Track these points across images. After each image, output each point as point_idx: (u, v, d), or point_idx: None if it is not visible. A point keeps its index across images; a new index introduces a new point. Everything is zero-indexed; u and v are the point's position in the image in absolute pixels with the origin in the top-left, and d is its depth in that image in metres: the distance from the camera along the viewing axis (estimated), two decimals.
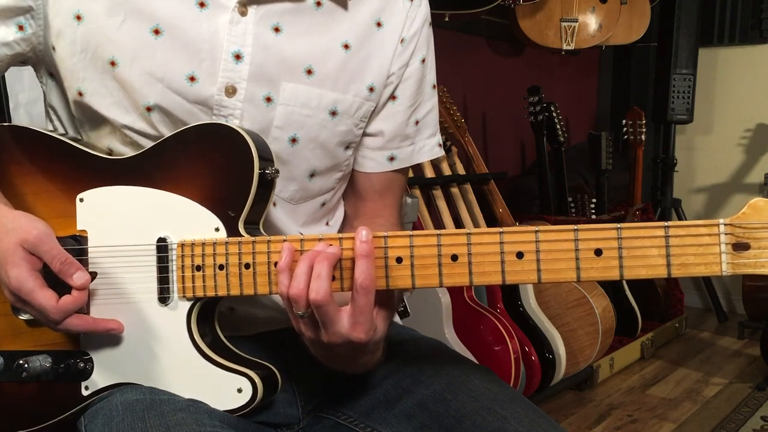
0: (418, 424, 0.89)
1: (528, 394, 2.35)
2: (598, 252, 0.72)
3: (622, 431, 2.42)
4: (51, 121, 1.03)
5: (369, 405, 0.94)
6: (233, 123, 0.91)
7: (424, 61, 1.04)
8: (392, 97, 1.02)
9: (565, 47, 3.01)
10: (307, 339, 0.82)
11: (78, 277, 0.83)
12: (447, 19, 2.52)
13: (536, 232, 0.73)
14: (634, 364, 3.04)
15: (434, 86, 1.08)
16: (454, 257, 0.76)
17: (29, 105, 1.62)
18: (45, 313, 0.82)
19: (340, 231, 1.09)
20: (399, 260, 0.77)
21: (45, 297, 0.82)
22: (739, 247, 0.68)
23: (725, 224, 0.69)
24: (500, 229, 0.75)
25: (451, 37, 2.91)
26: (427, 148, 1.09)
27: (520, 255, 0.74)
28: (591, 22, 3.05)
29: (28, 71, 1.02)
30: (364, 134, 1.03)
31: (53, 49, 0.93)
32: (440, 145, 1.12)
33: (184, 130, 0.88)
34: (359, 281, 0.76)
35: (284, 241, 0.80)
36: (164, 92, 0.90)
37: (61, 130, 1.02)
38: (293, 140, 0.95)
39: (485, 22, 3.07)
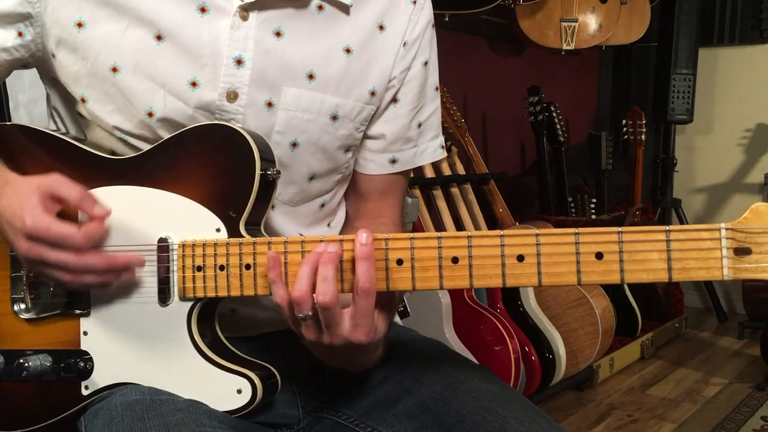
0: (418, 423, 0.89)
1: (528, 394, 2.35)
2: (599, 255, 0.72)
3: (622, 431, 2.42)
4: (55, 122, 1.03)
5: (369, 405, 0.94)
6: (235, 124, 0.91)
7: (426, 63, 1.04)
8: (394, 100, 1.02)
9: (565, 47, 3.01)
10: (307, 341, 0.82)
11: (98, 207, 0.84)
12: (447, 19, 2.52)
13: (537, 235, 0.73)
14: (634, 364, 3.04)
15: (437, 88, 1.08)
16: (455, 260, 0.76)
17: (29, 105, 1.62)
18: (70, 241, 0.80)
19: (341, 232, 1.09)
20: (399, 262, 0.77)
21: (65, 226, 0.81)
22: (741, 251, 0.68)
23: (726, 228, 0.68)
24: (501, 232, 0.75)
25: (451, 37, 2.91)
26: (429, 150, 1.09)
27: (520, 258, 0.74)
28: (591, 22, 3.05)
29: (30, 70, 1.02)
30: (366, 137, 1.03)
31: (53, 56, 0.93)
32: (443, 146, 1.12)
33: (186, 130, 0.88)
34: (360, 284, 0.76)
35: (285, 242, 0.81)
36: (166, 98, 0.90)
37: (64, 131, 1.02)
38: (294, 145, 0.95)
39: (485, 22, 3.07)
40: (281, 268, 0.79)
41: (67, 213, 0.85)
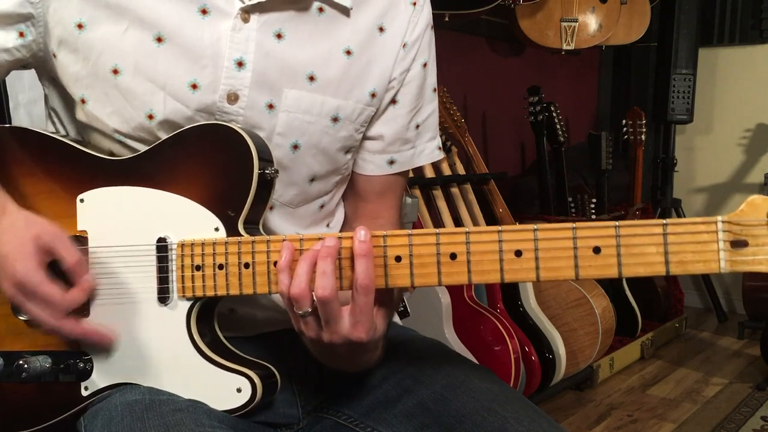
0: (418, 423, 0.89)
1: (528, 394, 2.35)
2: (597, 250, 0.72)
3: (622, 431, 2.42)
4: (53, 123, 1.03)
5: (369, 405, 0.94)
6: (233, 124, 0.91)
7: (425, 65, 1.04)
8: (393, 101, 1.02)
9: (565, 47, 3.01)
10: (307, 339, 0.82)
11: (87, 279, 0.85)
12: (447, 19, 2.52)
13: (534, 230, 0.73)
14: (634, 364, 3.04)
15: (435, 89, 1.08)
16: (453, 256, 0.76)
17: (29, 105, 1.62)
18: (52, 304, 0.82)
19: (340, 232, 1.09)
20: (398, 259, 0.78)
21: (53, 289, 0.83)
22: (737, 244, 0.68)
23: (723, 221, 0.68)
24: (499, 228, 0.75)
25: (451, 37, 2.91)
26: (427, 151, 1.09)
27: (518, 253, 0.74)
28: (591, 22, 3.05)
29: (29, 71, 1.02)
30: (365, 137, 1.03)
31: (54, 56, 0.93)
32: (440, 147, 1.12)
33: (184, 130, 0.88)
34: (359, 281, 0.76)
35: (284, 240, 0.81)
36: (166, 100, 0.90)
37: (62, 132, 1.02)
38: (295, 147, 0.95)
39: (485, 22, 3.07)
40: (293, 257, 0.79)
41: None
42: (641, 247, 0.71)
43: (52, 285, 0.83)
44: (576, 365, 2.59)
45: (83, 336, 0.87)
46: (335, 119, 0.96)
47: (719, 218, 0.69)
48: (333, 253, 0.77)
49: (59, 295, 0.83)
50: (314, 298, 0.77)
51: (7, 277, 0.83)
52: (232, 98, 0.91)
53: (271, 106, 0.93)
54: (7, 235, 0.84)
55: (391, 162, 1.05)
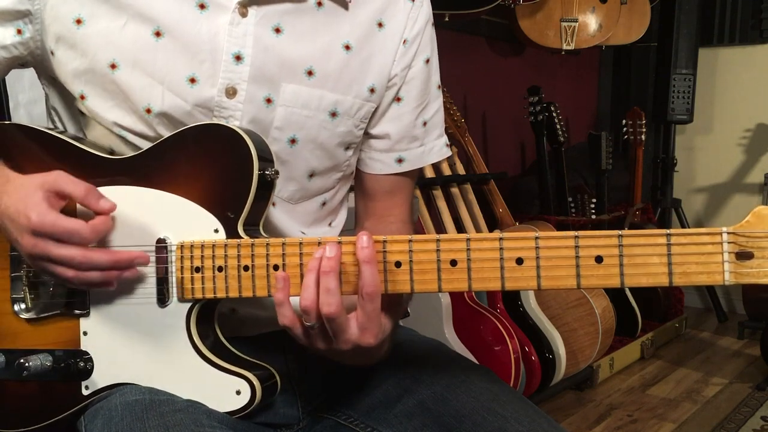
0: (418, 423, 0.89)
1: (528, 394, 2.35)
2: (599, 259, 0.71)
3: (622, 431, 2.42)
4: (53, 122, 1.03)
5: (369, 405, 0.94)
6: (233, 124, 0.91)
7: (428, 61, 1.04)
8: (397, 99, 1.02)
9: (565, 47, 3.01)
10: (314, 349, 0.82)
11: (104, 202, 0.83)
12: (447, 19, 2.52)
13: (536, 238, 0.73)
14: (634, 364, 3.04)
15: (439, 86, 1.09)
16: (453, 262, 0.75)
17: (29, 105, 1.62)
18: (77, 236, 0.80)
19: (351, 231, 1.09)
20: (398, 264, 0.77)
21: (72, 221, 0.80)
22: (742, 256, 0.67)
23: (728, 233, 0.67)
24: (500, 235, 0.74)
25: (451, 37, 2.91)
26: (436, 149, 1.09)
27: (519, 261, 0.73)
28: (591, 22, 3.05)
29: (29, 71, 1.02)
30: (371, 136, 1.03)
31: (52, 53, 0.93)
32: (448, 144, 1.12)
33: (184, 130, 0.88)
34: (365, 289, 0.75)
35: (283, 244, 0.80)
36: (165, 94, 0.90)
37: (63, 130, 1.02)
38: (292, 141, 0.95)
39: (485, 22, 3.07)
40: (289, 290, 0.78)
41: (66, 211, 0.85)
42: (644, 258, 0.70)
43: (71, 218, 0.80)
44: (576, 365, 2.59)
45: (116, 261, 0.83)
46: (334, 114, 0.96)
47: (724, 229, 0.68)
48: (335, 267, 0.76)
49: (81, 225, 0.80)
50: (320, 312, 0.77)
51: (24, 230, 0.80)
52: (231, 92, 0.91)
53: (269, 101, 0.93)
54: (14, 195, 0.82)
55: (400, 160, 1.05)
